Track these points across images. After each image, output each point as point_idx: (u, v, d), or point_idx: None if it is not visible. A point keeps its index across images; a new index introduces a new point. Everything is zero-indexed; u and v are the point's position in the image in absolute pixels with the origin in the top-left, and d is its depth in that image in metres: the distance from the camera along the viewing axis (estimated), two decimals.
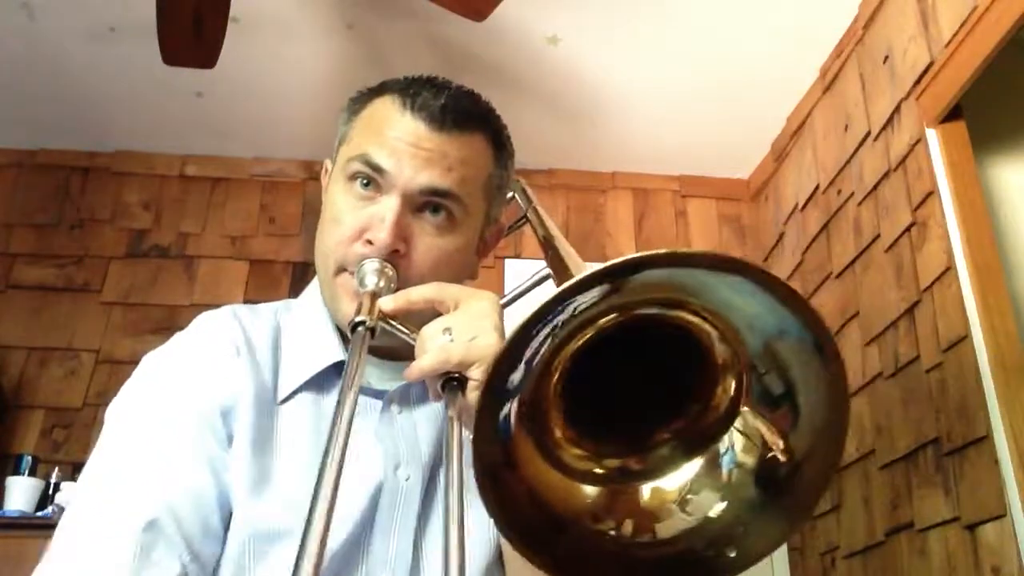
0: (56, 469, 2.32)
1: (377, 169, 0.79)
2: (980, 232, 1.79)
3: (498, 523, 0.56)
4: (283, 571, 0.69)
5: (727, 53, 2.41)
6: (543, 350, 0.55)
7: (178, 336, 0.85)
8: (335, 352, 0.82)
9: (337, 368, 0.82)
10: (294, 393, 0.81)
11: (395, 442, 0.80)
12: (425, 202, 0.80)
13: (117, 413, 0.78)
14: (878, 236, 2.11)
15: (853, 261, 2.22)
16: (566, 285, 0.50)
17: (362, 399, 0.80)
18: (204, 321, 0.86)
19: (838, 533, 2.19)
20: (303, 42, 2.43)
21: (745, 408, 0.61)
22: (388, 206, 0.78)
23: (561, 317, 0.53)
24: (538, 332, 0.53)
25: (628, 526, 0.61)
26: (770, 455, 0.60)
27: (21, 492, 2.28)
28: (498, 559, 0.78)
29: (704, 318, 0.58)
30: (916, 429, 1.88)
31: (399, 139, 0.80)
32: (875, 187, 2.14)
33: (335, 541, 0.72)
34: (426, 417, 0.83)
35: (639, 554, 0.61)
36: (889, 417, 1.98)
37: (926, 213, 1.91)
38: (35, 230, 2.83)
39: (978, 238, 1.78)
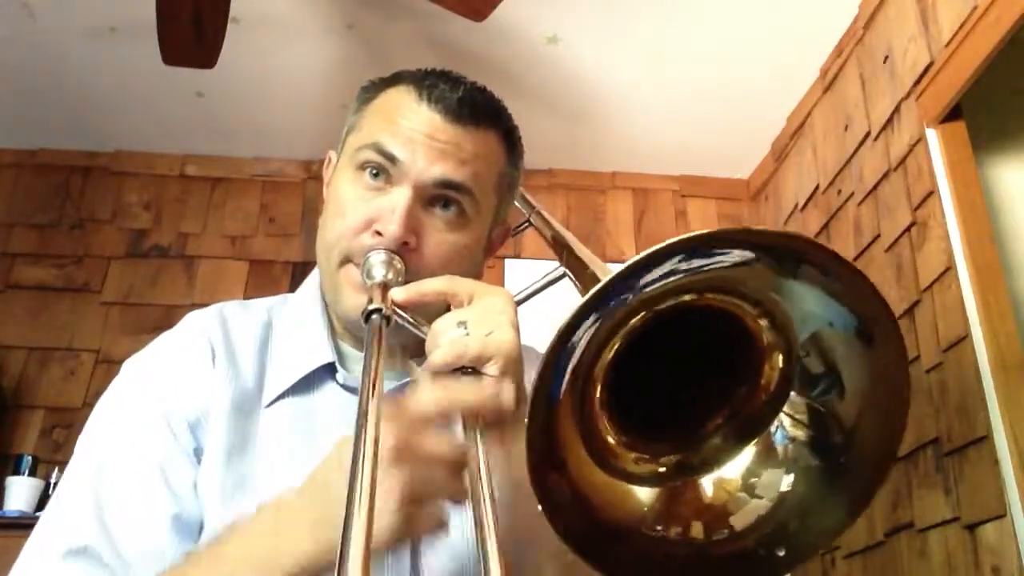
0: (56, 469, 2.32)
1: (390, 158, 0.77)
2: (980, 232, 1.79)
3: (556, 530, 0.54)
4: None
5: (727, 53, 2.41)
6: (588, 342, 0.53)
7: (160, 339, 0.84)
8: (324, 353, 0.81)
9: (327, 368, 0.81)
10: (280, 396, 0.79)
11: None
12: (437, 195, 0.78)
13: (88, 428, 0.78)
14: (878, 236, 2.11)
15: (853, 261, 2.22)
16: (638, 258, 0.48)
17: (350, 402, 0.79)
18: (186, 324, 0.84)
19: None
20: (303, 42, 2.43)
21: (794, 387, 0.59)
22: (399, 197, 0.76)
23: (610, 305, 0.51)
24: (586, 321, 0.51)
25: (697, 528, 0.59)
26: (822, 425, 0.58)
27: (21, 492, 2.28)
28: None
29: (745, 297, 0.57)
30: (916, 429, 1.88)
31: (414, 129, 0.78)
32: (875, 187, 2.14)
33: None
34: None
35: (718, 552, 0.59)
36: None
37: (926, 213, 1.91)
38: (35, 230, 2.83)
39: (978, 238, 1.78)
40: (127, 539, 0.70)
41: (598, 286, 0.49)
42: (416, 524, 0.58)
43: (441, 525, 0.60)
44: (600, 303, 0.50)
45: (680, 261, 0.50)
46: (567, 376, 0.53)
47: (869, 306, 0.53)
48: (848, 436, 0.57)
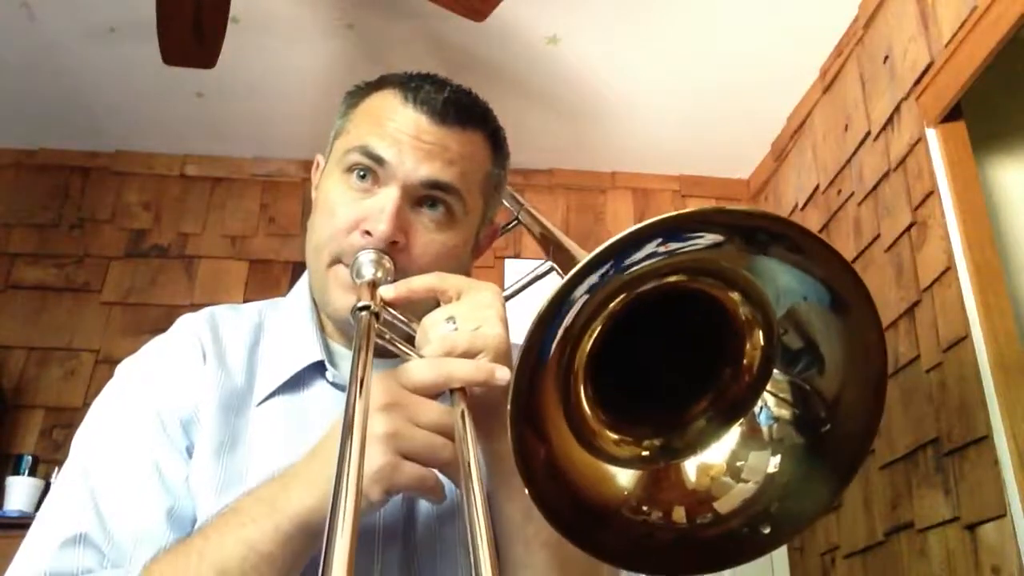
0: (56, 469, 2.31)
1: (377, 160, 0.78)
2: (980, 232, 1.79)
3: (535, 503, 0.55)
4: None
5: (727, 53, 2.41)
6: (572, 321, 0.53)
7: (151, 342, 0.85)
8: (314, 352, 0.82)
9: (316, 367, 0.82)
10: (271, 395, 0.80)
11: None
12: (424, 196, 0.79)
13: (83, 427, 0.79)
14: (878, 236, 2.11)
15: (853, 261, 2.22)
16: (612, 240, 0.49)
17: (340, 400, 0.78)
18: (177, 326, 0.86)
19: (838, 533, 2.19)
20: (303, 42, 2.43)
21: (775, 365, 0.60)
22: (388, 197, 0.77)
23: (585, 289, 0.52)
24: (563, 306, 0.51)
25: (679, 513, 0.60)
26: (804, 401, 0.59)
27: (21, 492, 2.28)
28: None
29: (722, 278, 0.57)
30: (916, 429, 1.88)
31: (400, 130, 0.79)
32: (875, 187, 2.14)
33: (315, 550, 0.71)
34: None
35: (703, 535, 0.59)
36: (889, 417, 1.98)
37: (926, 213, 1.91)
38: (35, 230, 2.83)
39: (978, 238, 1.78)
40: (123, 530, 0.71)
41: (586, 258, 0.49)
42: (404, 475, 0.60)
43: (431, 485, 0.62)
44: (585, 276, 0.51)
45: (659, 244, 0.51)
46: (552, 351, 0.53)
47: (839, 275, 0.53)
48: (831, 410, 0.58)
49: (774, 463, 0.59)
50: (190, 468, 0.75)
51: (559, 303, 0.51)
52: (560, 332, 0.53)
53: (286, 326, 0.86)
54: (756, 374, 0.61)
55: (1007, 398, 1.63)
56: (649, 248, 0.51)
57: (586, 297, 0.52)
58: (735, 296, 0.58)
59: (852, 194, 2.26)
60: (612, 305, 0.56)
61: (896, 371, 1.97)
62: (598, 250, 0.49)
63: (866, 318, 0.54)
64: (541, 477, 0.55)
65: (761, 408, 0.61)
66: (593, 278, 0.51)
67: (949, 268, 1.80)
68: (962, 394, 1.74)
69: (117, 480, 0.73)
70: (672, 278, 0.57)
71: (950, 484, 1.75)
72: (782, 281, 0.55)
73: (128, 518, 0.71)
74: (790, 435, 0.60)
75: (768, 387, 0.61)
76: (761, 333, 0.59)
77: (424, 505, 0.75)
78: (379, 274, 0.74)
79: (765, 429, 0.60)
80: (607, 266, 0.51)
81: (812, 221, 2.50)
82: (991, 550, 1.62)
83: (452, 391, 0.64)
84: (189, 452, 0.76)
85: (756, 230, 0.53)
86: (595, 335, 0.57)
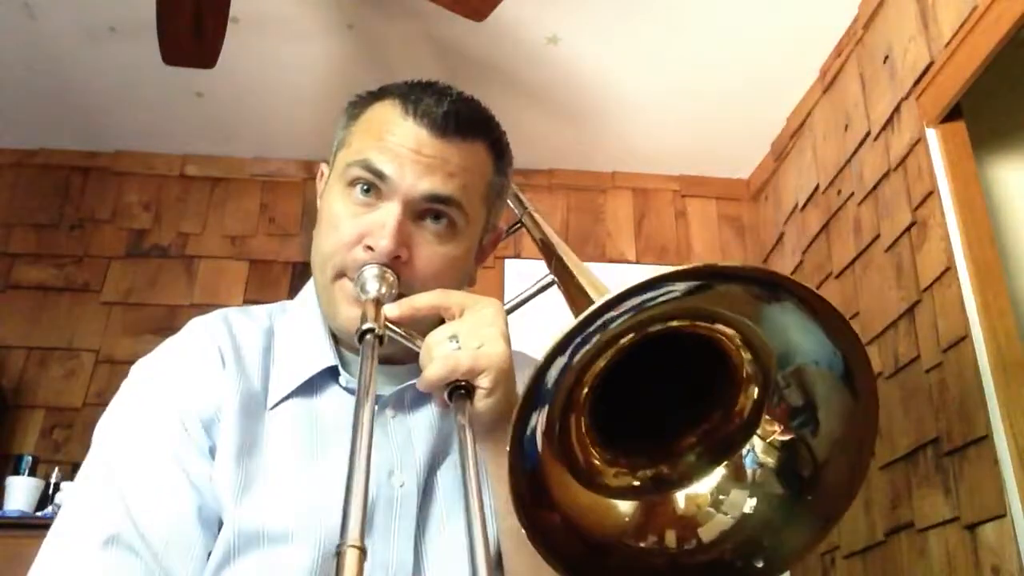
0: (56, 469, 2.32)
1: (378, 175, 0.79)
2: (980, 232, 1.79)
3: (544, 557, 0.57)
4: (264, 572, 0.70)
5: (727, 53, 2.41)
6: (570, 368, 0.55)
7: (167, 343, 0.85)
8: (327, 357, 0.82)
9: (329, 372, 0.82)
10: (285, 398, 0.80)
11: (388, 448, 0.79)
12: (426, 209, 0.80)
13: (102, 428, 0.79)
14: (878, 236, 2.11)
15: (853, 261, 2.22)
16: (595, 306, 0.50)
17: (353, 405, 0.80)
18: (193, 328, 0.86)
19: (838, 533, 2.19)
20: (303, 42, 2.44)
21: (767, 416, 0.62)
22: (389, 212, 0.78)
23: (585, 336, 0.53)
24: (566, 351, 0.53)
25: (671, 537, 0.62)
26: (791, 457, 0.61)
27: (21, 492, 2.28)
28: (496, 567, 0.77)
29: (730, 326, 0.59)
30: (916, 429, 1.88)
31: (400, 145, 0.79)
32: (875, 187, 2.14)
33: (331, 547, 0.72)
34: (421, 422, 0.82)
35: (688, 562, 0.62)
36: (889, 417, 1.98)
37: (926, 213, 1.91)
38: (35, 230, 2.83)
39: (978, 238, 1.78)
40: (155, 530, 0.71)
41: (598, 303, 0.51)
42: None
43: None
44: (593, 322, 0.52)
45: (673, 286, 0.53)
46: (548, 403, 0.55)
47: (853, 351, 0.55)
48: (815, 472, 0.60)
49: (750, 504, 0.62)
50: (213, 469, 0.75)
51: (571, 339, 0.52)
52: (564, 370, 0.55)
53: (297, 330, 0.86)
54: (746, 420, 0.63)
55: (1007, 398, 1.63)
56: (661, 292, 0.53)
57: (596, 337, 0.54)
58: (735, 341, 0.60)
59: (852, 194, 2.26)
60: (616, 346, 0.58)
61: (896, 371, 1.97)
62: (606, 297, 0.51)
63: (867, 392, 0.57)
64: (550, 533, 0.57)
65: (748, 452, 0.63)
66: (599, 323, 0.53)
67: (949, 268, 1.80)
68: (962, 394, 1.74)
69: (144, 480, 0.74)
70: (677, 323, 0.59)
71: (950, 484, 1.75)
72: (792, 336, 0.57)
73: (160, 519, 0.72)
74: (771, 482, 0.62)
75: (758, 433, 0.63)
76: (755, 384, 0.62)
77: (441, 488, 0.78)
78: (383, 289, 0.75)
79: (749, 472, 0.63)
80: (615, 313, 0.53)
81: (812, 221, 2.50)
82: (991, 550, 1.62)
83: (453, 401, 0.66)
84: (212, 453, 0.76)
85: (778, 288, 0.54)
86: (597, 371, 0.59)
